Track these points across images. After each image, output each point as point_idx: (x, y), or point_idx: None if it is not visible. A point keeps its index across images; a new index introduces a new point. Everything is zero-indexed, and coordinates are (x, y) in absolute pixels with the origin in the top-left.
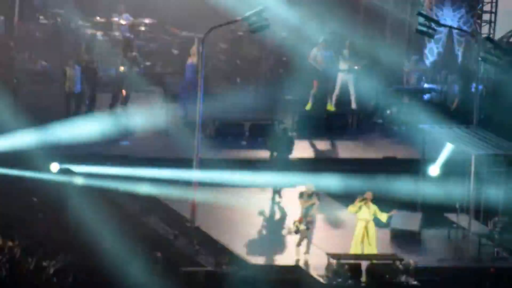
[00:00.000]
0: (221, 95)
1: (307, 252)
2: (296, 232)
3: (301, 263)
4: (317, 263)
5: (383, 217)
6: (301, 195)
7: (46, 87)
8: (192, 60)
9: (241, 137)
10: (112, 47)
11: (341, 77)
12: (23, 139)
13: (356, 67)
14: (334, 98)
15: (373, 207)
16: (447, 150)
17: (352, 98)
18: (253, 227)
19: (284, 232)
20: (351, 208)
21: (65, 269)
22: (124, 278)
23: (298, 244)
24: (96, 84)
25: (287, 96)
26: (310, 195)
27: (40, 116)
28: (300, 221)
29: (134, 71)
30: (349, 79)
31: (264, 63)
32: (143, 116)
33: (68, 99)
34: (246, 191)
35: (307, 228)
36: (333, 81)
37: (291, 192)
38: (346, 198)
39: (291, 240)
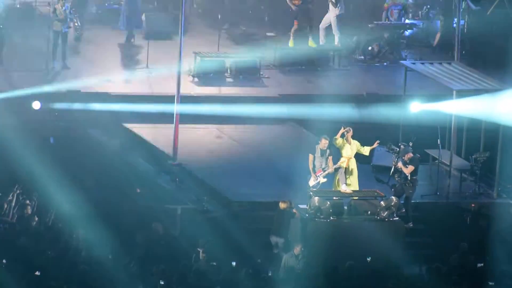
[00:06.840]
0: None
1: None
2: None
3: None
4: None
5: (366, 150)
6: (315, 151)
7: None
8: None
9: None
10: None
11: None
12: None
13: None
14: (322, 33)
15: (355, 143)
16: None
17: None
18: (233, 162)
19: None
20: (335, 139)
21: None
22: (105, 213)
23: None
24: None
25: (269, 33)
26: (324, 150)
27: None
28: (318, 174)
29: None
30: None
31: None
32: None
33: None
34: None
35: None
36: (310, 17)
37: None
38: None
39: (273, 176)
